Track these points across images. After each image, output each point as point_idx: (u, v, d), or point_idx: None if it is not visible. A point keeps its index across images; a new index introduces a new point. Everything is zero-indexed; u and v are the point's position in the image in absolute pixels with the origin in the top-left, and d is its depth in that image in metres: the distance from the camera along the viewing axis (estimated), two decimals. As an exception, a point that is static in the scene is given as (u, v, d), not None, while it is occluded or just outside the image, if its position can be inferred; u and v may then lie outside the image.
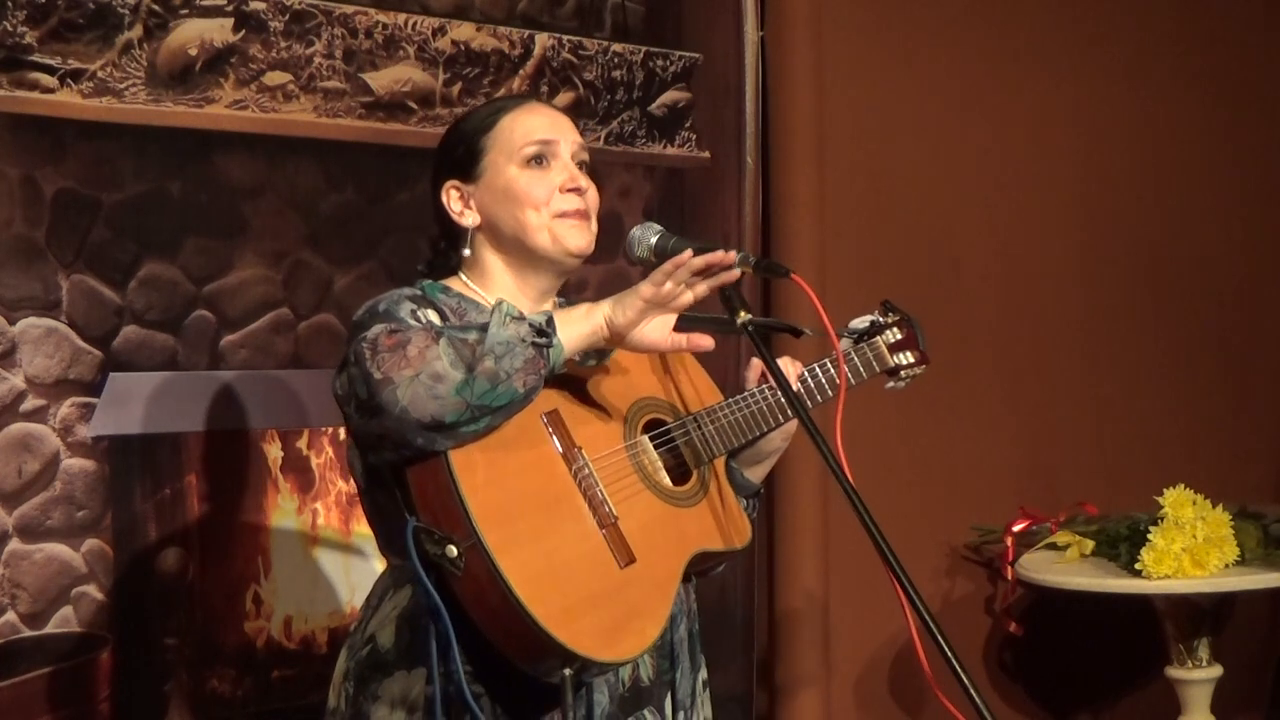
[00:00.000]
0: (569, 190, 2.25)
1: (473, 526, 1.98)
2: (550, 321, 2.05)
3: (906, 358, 2.49)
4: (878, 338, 2.47)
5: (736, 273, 2.12)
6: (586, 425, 2.16)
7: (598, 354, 2.31)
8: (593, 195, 2.29)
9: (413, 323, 2.11)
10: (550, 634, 1.98)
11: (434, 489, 2.02)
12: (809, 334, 2.37)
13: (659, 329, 2.11)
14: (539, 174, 2.25)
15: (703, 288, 2.11)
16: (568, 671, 2.02)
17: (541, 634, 1.98)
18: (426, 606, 2.03)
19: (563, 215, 2.24)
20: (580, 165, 2.29)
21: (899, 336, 2.49)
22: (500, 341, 1.99)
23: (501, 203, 2.26)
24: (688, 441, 2.26)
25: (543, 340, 2.03)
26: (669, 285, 2.08)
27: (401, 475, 2.05)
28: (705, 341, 2.14)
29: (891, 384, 2.52)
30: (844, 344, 2.46)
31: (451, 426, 1.98)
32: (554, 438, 2.12)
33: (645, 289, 2.08)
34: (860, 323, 2.50)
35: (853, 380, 2.43)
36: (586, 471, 2.12)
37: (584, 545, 2.08)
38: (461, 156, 2.29)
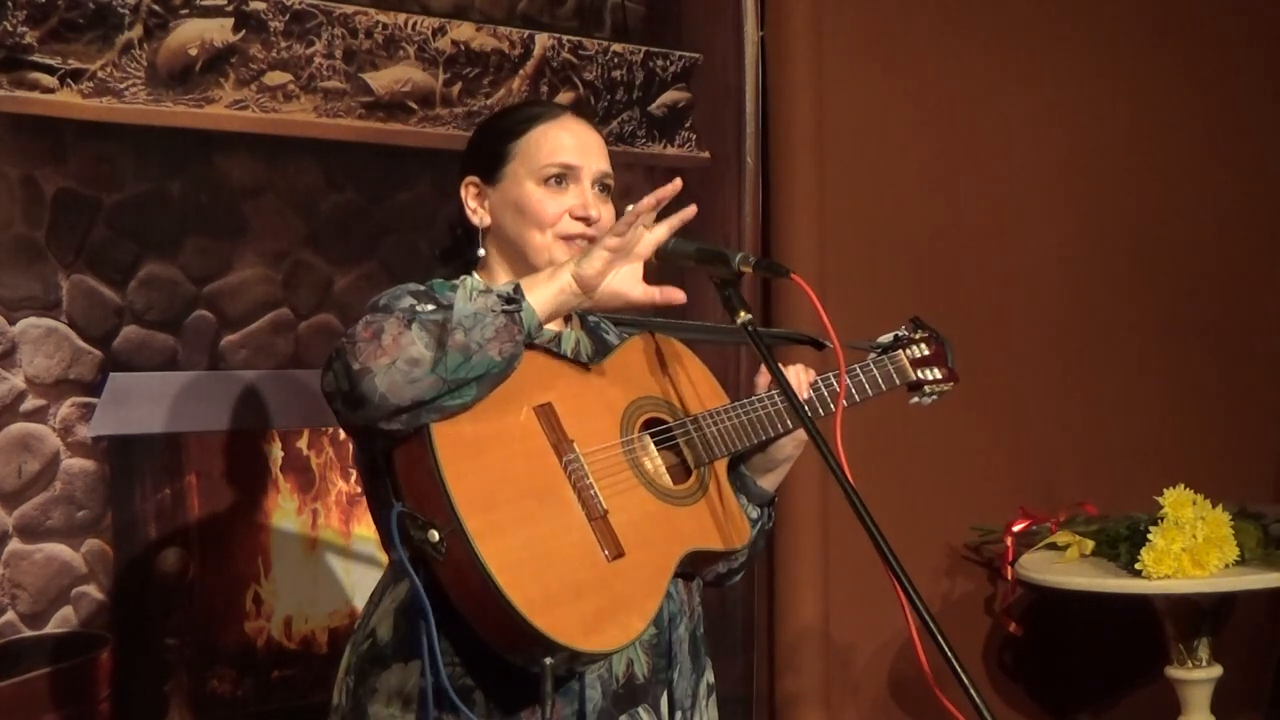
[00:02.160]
0: (579, 217, 2.26)
1: (454, 512, 1.99)
2: (518, 288, 2.06)
3: (932, 374, 2.51)
4: (900, 351, 2.49)
5: (693, 209, 2.13)
6: (581, 420, 2.15)
7: (598, 352, 2.31)
8: (607, 220, 2.29)
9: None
10: (529, 620, 1.98)
11: (419, 474, 2.03)
12: (829, 346, 2.36)
13: (628, 280, 2.12)
14: (554, 194, 2.26)
15: (662, 229, 2.12)
16: (548, 660, 2.02)
17: (520, 621, 1.98)
18: (411, 593, 2.05)
19: (567, 239, 2.25)
20: (603, 190, 2.30)
21: (925, 352, 2.51)
22: (467, 314, 2.00)
23: (512, 213, 2.27)
24: (689, 441, 2.26)
25: (511, 307, 2.03)
26: (627, 230, 2.09)
27: (390, 461, 2.07)
28: (677, 295, 2.14)
29: (915, 399, 2.54)
30: (867, 356, 2.48)
31: (432, 402, 1.99)
32: (545, 430, 2.12)
33: (607, 237, 2.09)
34: (885, 337, 2.52)
35: (870, 391, 2.44)
36: (577, 464, 2.12)
37: (570, 536, 2.08)
38: (486, 157, 2.30)
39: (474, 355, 1.99)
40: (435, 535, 1.99)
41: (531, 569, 2.02)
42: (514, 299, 2.04)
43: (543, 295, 2.08)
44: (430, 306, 2.16)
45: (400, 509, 2.03)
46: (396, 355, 1.97)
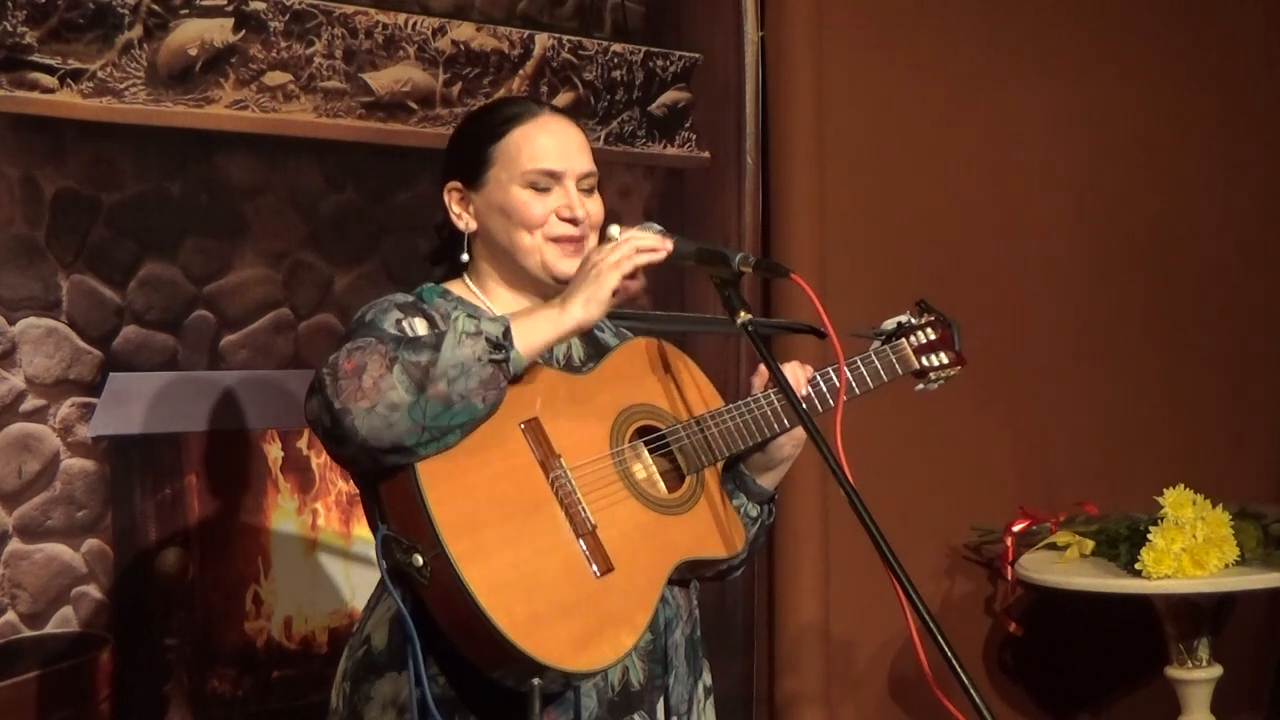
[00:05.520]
0: (565, 218, 2.25)
1: (437, 536, 1.98)
2: (507, 332, 2.04)
3: (938, 359, 2.47)
4: (903, 339, 2.46)
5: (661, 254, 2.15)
6: (568, 433, 2.14)
7: (591, 355, 2.30)
8: (594, 214, 2.28)
9: (393, 333, 2.11)
10: (515, 643, 1.98)
11: (401, 498, 2.02)
12: (829, 335, 2.33)
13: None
14: (539, 196, 2.25)
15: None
16: (536, 681, 2.01)
17: (506, 643, 1.98)
18: (398, 614, 2.05)
19: (555, 240, 2.25)
20: (587, 189, 2.29)
21: (931, 337, 2.47)
22: (453, 364, 1.99)
23: (498, 217, 2.26)
24: (682, 447, 2.25)
25: (499, 355, 2.02)
26: (618, 257, 2.10)
27: (375, 485, 2.07)
28: (634, 285, 2.16)
29: (921, 386, 2.50)
30: (871, 345, 2.44)
31: (411, 449, 1.99)
32: (531, 447, 2.11)
33: (606, 272, 2.09)
34: (889, 323, 2.47)
35: (872, 383, 2.41)
36: (564, 480, 2.11)
37: (557, 554, 2.07)
38: (467, 162, 2.29)
39: (455, 405, 2.00)
40: (419, 559, 1.99)
41: (518, 590, 2.01)
42: (502, 345, 2.02)
43: (534, 337, 2.07)
44: (419, 321, 2.16)
45: (385, 532, 2.03)
46: (376, 400, 1.97)
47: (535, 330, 2.08)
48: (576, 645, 2.03)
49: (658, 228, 2.25)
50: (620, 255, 2.11)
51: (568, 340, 2.11)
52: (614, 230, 2.17)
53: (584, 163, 2.29)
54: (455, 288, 2.30)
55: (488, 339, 2.02)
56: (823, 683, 4.03)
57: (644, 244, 2.12)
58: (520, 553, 2.04)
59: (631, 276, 2.13)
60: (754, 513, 2.39)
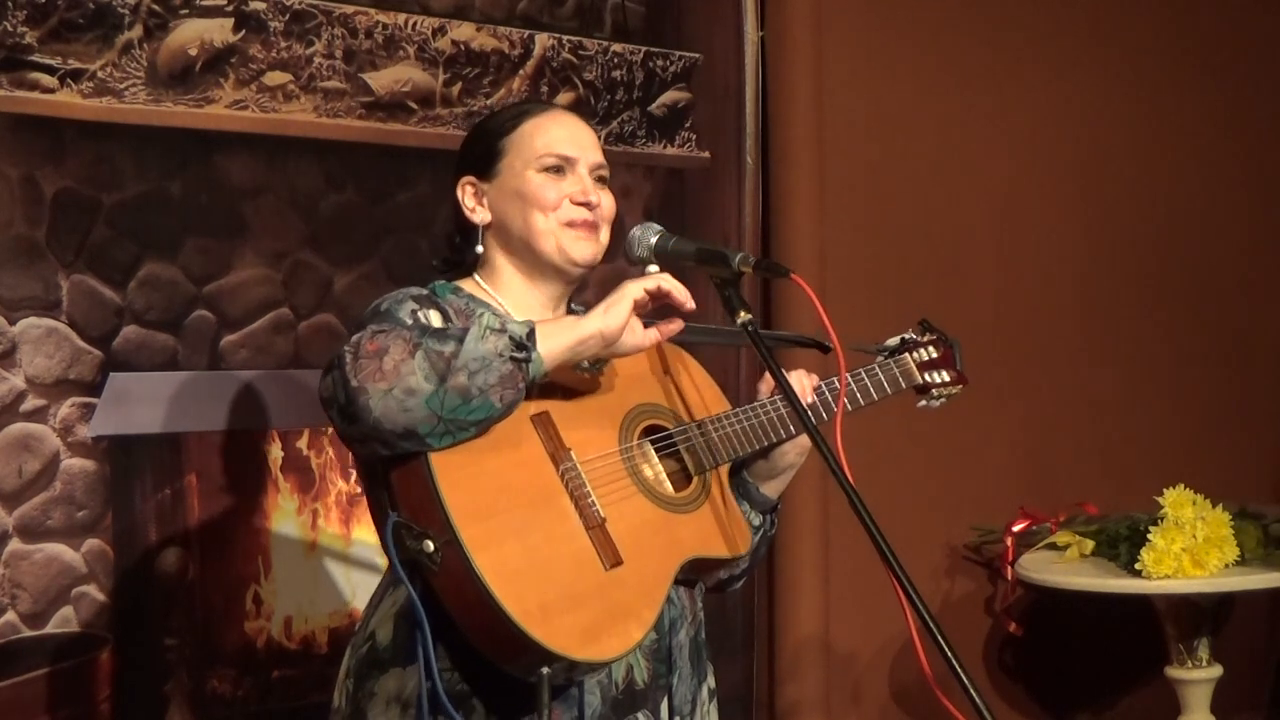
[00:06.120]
0: (579, 203, 2.26)
1: (449, 522, 1.98)
2: (531, 334, 2.05)
3: (939, 376, 2.51)
4: (907, 354, 2.48)
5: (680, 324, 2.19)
6: (578, 428, 2.15)
7: (601, 359, 2.30)
8: (607, 206, 2.30)
9: (408, 322, 2.11)
10: (525, 630, 1.98)
11: (413, 484, 2.02)
12: (834, 349, 2.34)
13: (638, 331, 2.14)
14: (553, 180, 2.27)
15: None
16: (545, 670, 2.01)
17: (516, 630, 1.98)
18: (407, 605, 2.04)
19: (570, 224, 2.25)
20: (599, 179, 2.30)
21: (933, 355, 2.50)
22: (475, 357, 1.99)
23: (513, 202, 2.27)
24: (689, 448, 2.25)
25: (521, 355, 2.02)
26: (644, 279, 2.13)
27: (386, 472, 2.06)
28: (676, 325, 2.18)
29: (923, 402, 2.53)
30: (873, 360, 2.47)
31: (424, 437, 1.99)
32: (542, 439, 2.11)
33: (633, 287, 2.11)
34: (892, 340, 2.51)
35: (875, 395, 2.43)
36: (575, 473, 2.11)
37: (567, 545, 2.08)
38: (481, 154, 2.31)
39: (473, 399, 1.99)
40: (430, 545, 1.99)
41: (528, 579, 2.01)
42: (525, 345, 2.03)
43: (556, 344, 2.07)
44: (434, 313, 2.16)
45: (395, 519, 2.02)
46: (395, 383, 1.97)
47: (557, 334, 2.08)
48: (585, 636, 2.03)
49: (658, 228, 2.26)
50: (646, 280, 2.13)
51: (589, 353, 2.10)
52: (652, 268, 2.20)
53: (596, 154, 2.32)
54: (466, 285, 2.30)
55: (511, 337, 2.03)
56: (823, 689, 4.03)
57: (674, 282, 2.15)
58: (531, 542, 2.05)
59: (662, 307, 2.15)
60: (756, 522, 2.40)
